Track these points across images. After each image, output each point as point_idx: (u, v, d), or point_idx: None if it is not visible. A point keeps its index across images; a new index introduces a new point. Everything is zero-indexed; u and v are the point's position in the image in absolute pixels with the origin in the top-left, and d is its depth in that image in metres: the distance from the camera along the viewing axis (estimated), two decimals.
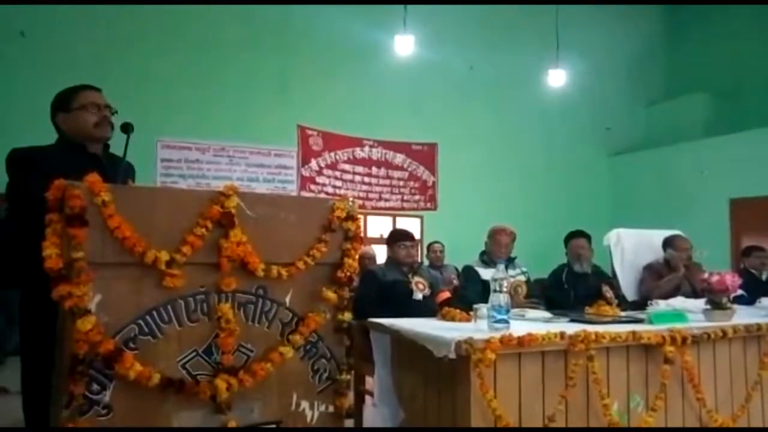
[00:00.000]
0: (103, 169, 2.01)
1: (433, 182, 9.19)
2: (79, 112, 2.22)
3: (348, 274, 2.08)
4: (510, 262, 4.06)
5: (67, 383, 1.61)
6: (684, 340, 2.64)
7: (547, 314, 3.00)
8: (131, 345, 1.72)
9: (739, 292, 3.47)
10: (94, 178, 1.67)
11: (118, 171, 2.13)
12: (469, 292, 3.79)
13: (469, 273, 4.05)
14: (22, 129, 6.00)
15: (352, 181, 8.60)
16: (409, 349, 2.49)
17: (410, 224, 8.38)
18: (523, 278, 4.05)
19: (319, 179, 8.38)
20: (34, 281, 1.69)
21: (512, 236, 4.12)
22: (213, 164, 7.75)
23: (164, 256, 1.73)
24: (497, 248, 4.05)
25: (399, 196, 8.95)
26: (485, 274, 3.83)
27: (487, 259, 4.06)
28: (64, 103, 2.26)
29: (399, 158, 8.99)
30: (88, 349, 1.63)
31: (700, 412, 2.74)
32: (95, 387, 1.67)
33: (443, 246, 6.97)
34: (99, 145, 2.26)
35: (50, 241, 1.64)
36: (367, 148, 8.76)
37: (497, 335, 2.24)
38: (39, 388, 1.88)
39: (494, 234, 4.11)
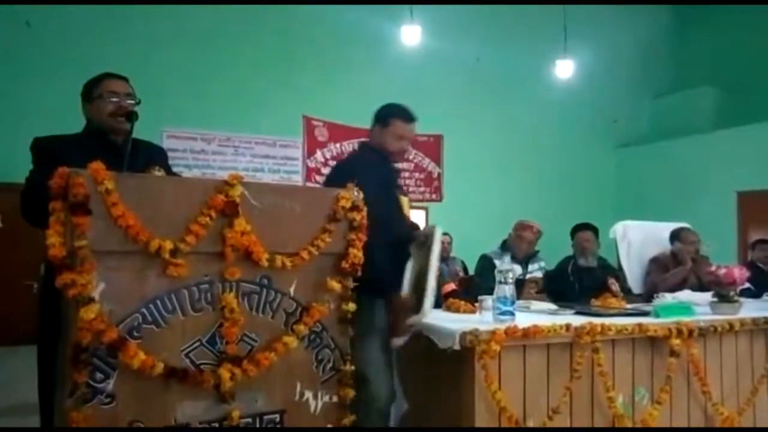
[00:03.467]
0: (120, 158, 2.03)
1: (439, 174, 9.16)
2: (98, 101, 2.25)
3: (352, 264, 2.07)
4: (533, 256, 4.04)
5: (71, 372, 1.61)
6: (690, 332, 2.63)
7: (552, 306, 2.99)
8: (135, 334, 1.71)
9: (746, 285, 3.45)
10: (97, 165, 1.65)
11: (139, 159, 2.15)
12: (487, 284, 3.76)
13: (485, 263, 4.02)
14: (29, 118, 6.05)
15: None
16: (413, 339, 2.49)
17: (415, 216, 8.37)
18: (540, 274, 4.03)
19: (325, 170, 8.35)
20: (53, 270, 1.68)
21: (537, 234, 4.09)
22: (218, 155, 7.75)
23: (168, 245, 1.72)
24: (519, 243, 4.01)
25: (404, 188, 8.93)
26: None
27: (507, 249, 4.03)
28: (87, 91, 2.30)
29: None
30: (92, 337, 1.62)
31: (705, 405, 2.73)
32: (99, 375, 1.67)
33: (451, 238, 6.95)
34: (122, 133, 2.24)
35: (53, 230, 1.63)
36: None
37: (502, 327, 2.23)
38: (54, 376, 1.88)
39: (519, 229, 4.07)
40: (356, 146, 8.50)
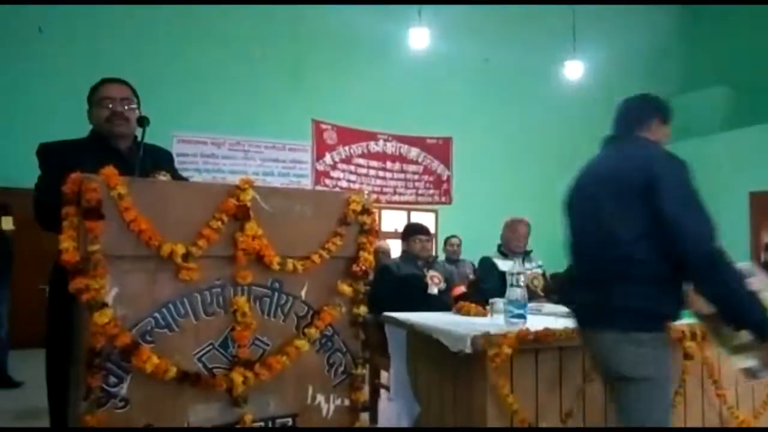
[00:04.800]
0: (125, 162, 2.03)
1: (448, 176, 9.16)
2: (96, 107, 2.25)
3: (363, 267, 2.06)
4: (526, 255, 4.03)
5: (85, 376, 1.62)
6: (704, 335, 2.60)
7: (565, 309, 2.97)
8: (148, 338, 1.72)
9: None
10: (110, 171, 1.66)
11: (146, 163, 2.15)
12: (487, 284, 3.78)
13: (487, 265, 4.03)
14: (39, 124, 6.10)
15: (366, 176, 8.59)
16: (424, 343, 2.48)
17: (425, 218, 8.36)
18: (539, 271, 4.02)
19: (334, 173, 8.38)
20: (61, 273, 1.69)
21: (529, 227, 4.10)
22: (228, 159, 7.79)
23: (180, 249, 1.72)
24: (516, 239, 4.02)
25: (413, 191, 8.93)
26: (503, 266, 3.81)
27: (505, 250, 4.04)
28: (89, 97, 2.30)
29: (413, 152, 8.96)
30: (105, 342, 1.63)
31: (720, 408, 2.71)
32: (112, 380, 1.67)
33: (460, 240, 6.94)
34: (123, 138, 2.25)
35: (67, 234, 1.64)
36: (381, 142, 8.74)
37: (514, 330, 2.22)
38: (64, 379, 1.89)
39: (512, 224, 4.08)
40: (365, 149, 8.54)
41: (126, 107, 2.24)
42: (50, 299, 2.09)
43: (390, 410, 2.89)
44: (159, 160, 2.29)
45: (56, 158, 2.09)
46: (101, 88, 2.27)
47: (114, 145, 2.24)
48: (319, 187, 7.97)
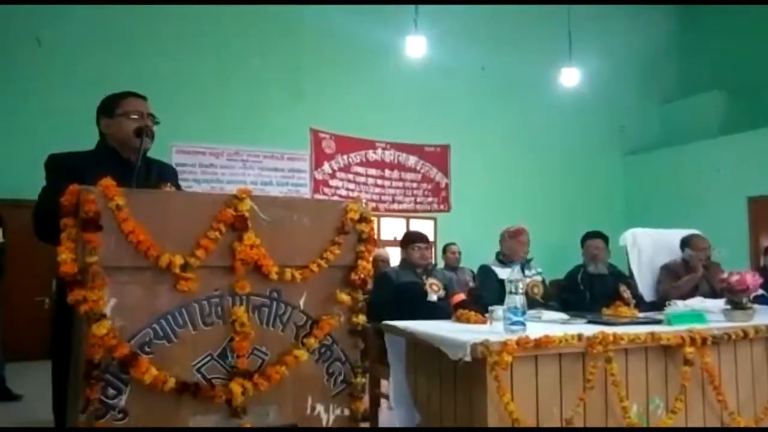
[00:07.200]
0: (133, 175, 2.06)
1: (446, 184, 9.17)
2: (122, 118, 2.25)
3: (362, 276, 2.06)
4: (526, 263, 4.03)
5: (83, 388, 1.61)
6: (704, 340, 2.60)
7: (564, 316, 2.96)
8: (146, 349, 1.72)
9: (759, 291, 3.41)
10: (108, 182, 1.67)
11: (152, 177, 2.20)
12: (486, 292, 3.77)
13: (486, 273, 4.02)
14: (38, 135, 6.11)
15: (365, 184, 8.60)
16: (424, 351, 2.48)
17: (423, 226, 8.36)
18: (539, 279, 4.02)
19: (332, 182, 8.38)
20: (65, 286, 1.69)
21: (529, 235, 4.10)
22: (227, 168, 7.79)
23: (178, 260, 1.73)
24: (519, 248, 4.00)
25: (412, 198, 8.93)
26: (502, 273, 3.80)
27: (504, 258, 4.03)
28: (108, 108, 2.30)
29: (412, 160, 8.97)
30: (104, 353, 1.63)
31: (721, 414, 2.69)
32: (111, 391, 1.67)
33: (459, 247, 6.94)
34: (136, 151, 2.26)
35: (65, 246, 1.64)
36: (379, 151, 8.75)
37: (513, 337, 2.21)
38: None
39: (515, 235, 4.06)
40: (364, 157, 8.56)
41: (151, 123, 2.29)
42: (55, 312, 2.09)
43: (390, 419, 2.88)
44: (165, 175, 2.35)
45: (68, 170, 2.07)
46: (130, 100, 2.29)
47: (125, 157, 2.25)
48: (318, 196, 7.97)
